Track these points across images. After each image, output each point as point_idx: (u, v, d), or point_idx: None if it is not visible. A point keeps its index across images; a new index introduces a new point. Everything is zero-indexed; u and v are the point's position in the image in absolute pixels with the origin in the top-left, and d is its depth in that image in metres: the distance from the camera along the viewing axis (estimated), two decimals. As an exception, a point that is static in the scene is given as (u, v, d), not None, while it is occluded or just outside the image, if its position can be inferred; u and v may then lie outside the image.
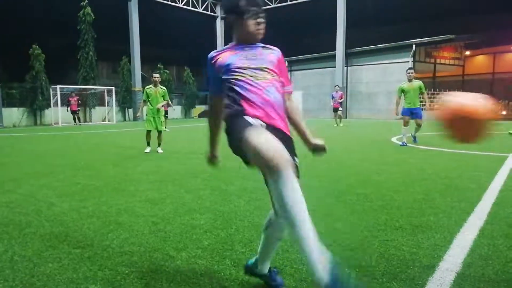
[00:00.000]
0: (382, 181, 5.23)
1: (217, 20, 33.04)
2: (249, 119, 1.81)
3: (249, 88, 1.93)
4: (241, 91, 1.93)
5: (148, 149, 8.42)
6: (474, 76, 32.19)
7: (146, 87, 8.69)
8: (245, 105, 1.90)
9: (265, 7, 32.17)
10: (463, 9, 27.86)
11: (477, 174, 5.50)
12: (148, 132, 8.58)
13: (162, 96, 8.63)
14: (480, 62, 34.57)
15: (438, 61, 28.74)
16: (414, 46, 24.68)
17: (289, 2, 29.20)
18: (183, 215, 3.68)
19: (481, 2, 26.88)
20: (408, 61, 24.56)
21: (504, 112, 29.08)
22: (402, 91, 8.88)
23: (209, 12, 32.11)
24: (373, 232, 3.13)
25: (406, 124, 8.99)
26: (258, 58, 2.04)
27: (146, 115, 8.66)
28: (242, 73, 1.98)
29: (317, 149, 2.16)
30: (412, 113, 8.88)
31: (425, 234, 3.08)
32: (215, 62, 2.05)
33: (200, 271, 2.46)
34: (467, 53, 32.83)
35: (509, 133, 10.73)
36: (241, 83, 1.95)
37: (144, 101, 8.65)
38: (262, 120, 1.85)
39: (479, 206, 3.86)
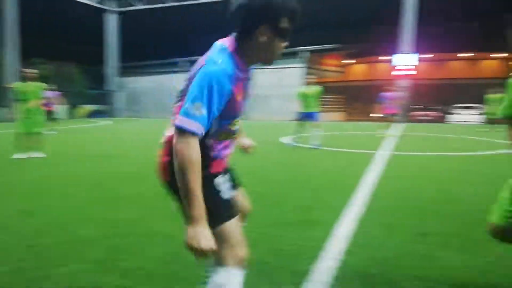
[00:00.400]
0: (277, 180, 5.46)
1: (106, 14, 30.95)
2: (219, 186, 1.52)
3: (229, 148, 1.60)
4: (220, 150, 1.54)
5: (22, 155, 7.33)
6: (354, 82, 35.86)
7: (18, 84, 7.60)
8: (214, 162, 1.53)
9: (156, 6, 30.46)
10: (347, 22, 30.79)
11: (356, 170, 6.08)
12: (23, 134, 7.47)
13: (38, 93, 7.58)
14: (359, 70, 38.70)
15: (324, 68, 31.36)
16: (304, 53, 26.55)
17: (184, 2, 28.81)
18: (66, 226, 3.33)
19: (364, 16, 30.06)
20: (300, 67, 26.31)
21: (381, 115, 33.02)
22: (302, 95, 9.32)
23: (99, 5, 29.91)
24: (266, 228, 3.23)
25: (300, 126, 9.53)
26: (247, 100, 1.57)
27: (21, 115, 7.50)
28: (233, 133, 1.56)
29: (245, 149, 2.08)
30: (307, 117, 9.34)
31: (312, 228, 3.29)
32: (232, 93, 1.38)
33: (83, 286, 2.24)
34: (348, 61, 36.50)
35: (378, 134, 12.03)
36: (225, 143, 1.55)
37: (18, 100, 7.51)
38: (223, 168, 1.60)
39: (358, 198, 4.27)
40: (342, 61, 36.27)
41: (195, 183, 1.27)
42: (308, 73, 10.05)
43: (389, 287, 2.26)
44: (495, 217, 1.96)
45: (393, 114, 12.40)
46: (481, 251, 2.76)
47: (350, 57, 36.57)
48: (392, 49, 24.82)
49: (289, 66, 26.79)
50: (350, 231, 3.19)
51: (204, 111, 1.28)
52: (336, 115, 28.96)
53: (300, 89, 9.59)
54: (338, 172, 6.13)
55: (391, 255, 2.71)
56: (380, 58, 35.67)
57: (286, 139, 11.08)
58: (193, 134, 1.27)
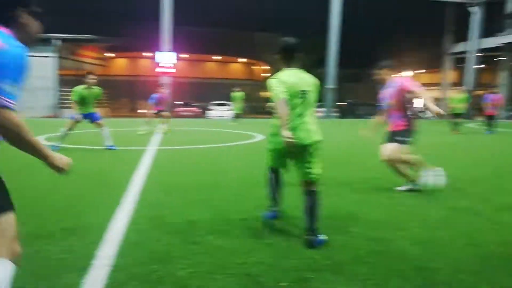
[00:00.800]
0: (34, 186, 4.63)
1: None
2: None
3: None
4: None
5: None
6: (117, 76, 34.78)
7: None
8: None
9: None
10: (108, 14, 29.31)
11: (124, 167, 5.92)
12: None
13: None
14: (121, 64, 37.70)
15: (83, 59, 28.98)
16: (56, 41, 23.64)
17: None
18: None
19: (125, 10, 29.21)
20: (50, 56, 23.31)
21: (145, 111, 33.21)
22: (78, 95, 8.17)
23: None
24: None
25: (71, 127, 8.33)
26: None
27: None
28: None
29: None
30: (86, 118, 8.36)
31: (78, 235, 2.98)
32: None
33: None
34: (110, 55, 34.99)
35: (139, 133, 12.04)
36: None
37: None
38: None
39: (127, 196, 4.16)
40: (103, 54, 34.48)
41: (32, 136, 1.51)
42: (89, 74, 8.50)
43: (166, 279, 2.29)
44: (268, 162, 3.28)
45: (161, 111, 12.76)
46: (240, 231, 3.18)
47: (112, 51, 35.21)
48: (154, 46, 25.36)
49: (35, 54, 23.38)
50: (122, 231, 3.07)
51: (19, 90, 1.49)
52: (99, 111, 27.42)
53: (77, 88, 8.40)
54: (108, 171, 5.79)
55: (164, 248, 2.76)
56: (143, 54, 35.96)
57: (43, 139, 9.62)
58: (13, 110, 1.46)
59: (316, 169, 2.98)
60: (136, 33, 30.84)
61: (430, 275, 2.39)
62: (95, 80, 8.33)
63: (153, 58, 25.76)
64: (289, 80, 2.97)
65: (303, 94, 2.98)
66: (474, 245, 2.89)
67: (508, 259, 2.65)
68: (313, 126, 3.01)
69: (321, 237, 2.85)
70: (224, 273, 2.39)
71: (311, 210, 2.90)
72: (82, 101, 8.24)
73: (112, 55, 36.36)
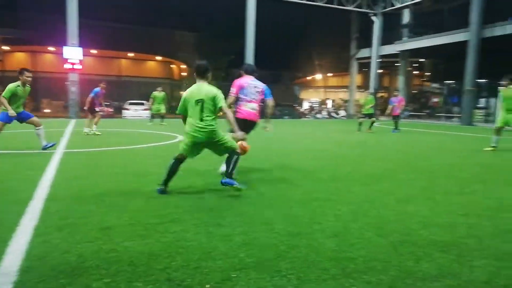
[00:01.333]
0: None
1: None
2: None
3: None
4: None
5: None
6: (15, 72, 31.34)
7: None
8: None
9: None
10: (5, 2, 26.24)
11: (29, 173, 5.35)
12: None
13: None
14: (20, 59, 34.06)
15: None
16: None
17: None
18: None
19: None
20: None
21: (48, 110, 30.45)
22: (13, 93, 7.27)
23: None
24: None
25: (1, 129, 7.35)
26: None
27: None
28: None
29: None
30: (19, 117, 7.59)
31: (-29, 251, 2.60)
32: None
33: None
34: (6, 48, 31.42)
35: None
36: None
37: None
38: None
39: (32, 205, 3.75)
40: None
41: None
42: (25, 71, 7.57)
43: (78, 293, 2.10)
44: (182, 150, 4.30)
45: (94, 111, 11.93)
46: (160, 235, 3.05)
47: (8, 43, 31.67)
48: (59, 40, 23.30)
49: None
50: (26, 243, 2.75)
51: None
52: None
53: (11, 86, 7.44)
54: (10, 177, 5.11)
55: (75, 259, 2.53)
56: (47, 48, 32.95)
57: None
58: None
59: (230, 143, 4.31)
60: (38, 26, 28.10)
61: (346, 265, 2.53)
62: (31, 78, 7.51)
63: (57, 53, 23.60)
64: (189, 94, 4.21)
65: (198, 102, 4.15)
66: (382, 235, 3.14)
67: (412, 246, 2.92)
68: (212, 127, 4.17)
69: (235, 183, 4.22)
70: (145, 280, 2.26)
71: (229, 160, 4.26)
72: (13, 100, 7.39)
73: (8, 48, 32.67)
